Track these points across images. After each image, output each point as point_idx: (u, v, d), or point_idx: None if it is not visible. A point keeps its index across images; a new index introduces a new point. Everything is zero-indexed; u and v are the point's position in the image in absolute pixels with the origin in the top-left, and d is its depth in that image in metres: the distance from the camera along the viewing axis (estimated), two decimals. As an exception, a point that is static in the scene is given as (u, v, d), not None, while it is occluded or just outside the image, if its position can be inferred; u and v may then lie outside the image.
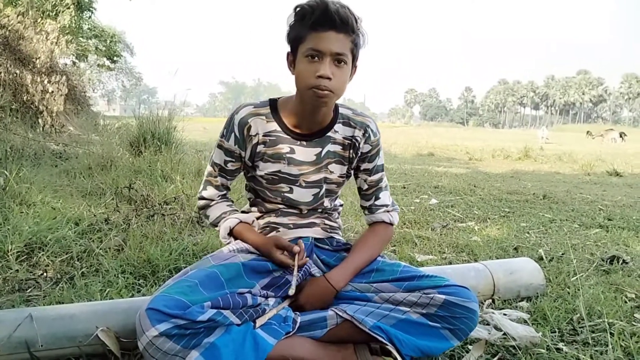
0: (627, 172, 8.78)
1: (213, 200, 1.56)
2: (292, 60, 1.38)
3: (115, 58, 18.73)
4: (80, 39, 14.47)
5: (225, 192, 1.59)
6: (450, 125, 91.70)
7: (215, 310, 1.19)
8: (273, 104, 1.48)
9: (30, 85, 7.05)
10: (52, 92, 7.47)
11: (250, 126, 1.44)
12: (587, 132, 37.97)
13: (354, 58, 1.37)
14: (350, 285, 1.45)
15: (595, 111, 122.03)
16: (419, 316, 1.34)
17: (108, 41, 17.18)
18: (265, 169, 1.48)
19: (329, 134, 1.49)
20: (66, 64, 11.75)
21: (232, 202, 1.61)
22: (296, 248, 1.39)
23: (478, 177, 6.98)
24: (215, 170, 1.53)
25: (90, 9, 12.93)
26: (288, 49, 1.39)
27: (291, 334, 1.31)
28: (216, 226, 1.55)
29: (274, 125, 1.46)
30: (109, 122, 10.57)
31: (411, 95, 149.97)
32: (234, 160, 1.50)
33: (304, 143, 1.47)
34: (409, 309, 1.35)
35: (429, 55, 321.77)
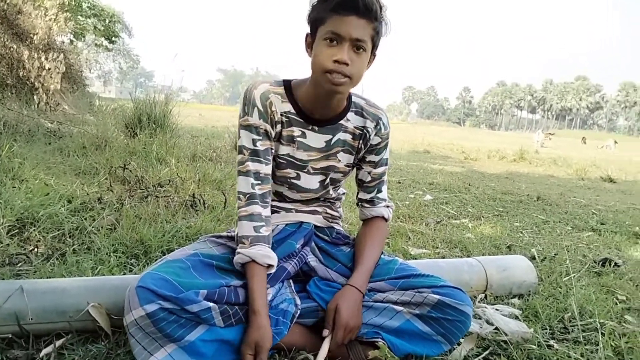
0: (621, 178, 8.84)
1: (246, 200, 1.35)
2: (310, 42, 1.31)
3: (113, 38, 18.45)
4: (79, 17, 14.29)
5: (261, 190, 1.36)
6: (447, 125, 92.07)
7: (207, 305, 1.16)
8: (287, 84, 1.41)
9: (26, 61, 6.93)
10: (49, 69, 7.35)
11: (271, 102, 1.37)
12: (583, 138, 38.50)
13: (374, 46, 1.30)
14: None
15: (591, 118, 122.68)
16: (412, 316, 1.33)
17: (107, 21, 16.92)
18: (276, 150, 1.43)
19: (341, 121, 1.44)
20: (63, 42, 11.59)
21: (264, 217, 1.35)
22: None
23: (473, 176, 7.00)
24: (245, 155, 1.36)
25: (91, -13, 12.77)
26: (307, 30, 1.32)
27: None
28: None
29: (288, 107, 1.39)
30: (104, 103, 10.47)
31: (409, 93, 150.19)
32: (261, 138, 1.36)
33: (315, 128, 1.42)
34: (402, 308, 1.34)
35: (428, 53, 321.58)
